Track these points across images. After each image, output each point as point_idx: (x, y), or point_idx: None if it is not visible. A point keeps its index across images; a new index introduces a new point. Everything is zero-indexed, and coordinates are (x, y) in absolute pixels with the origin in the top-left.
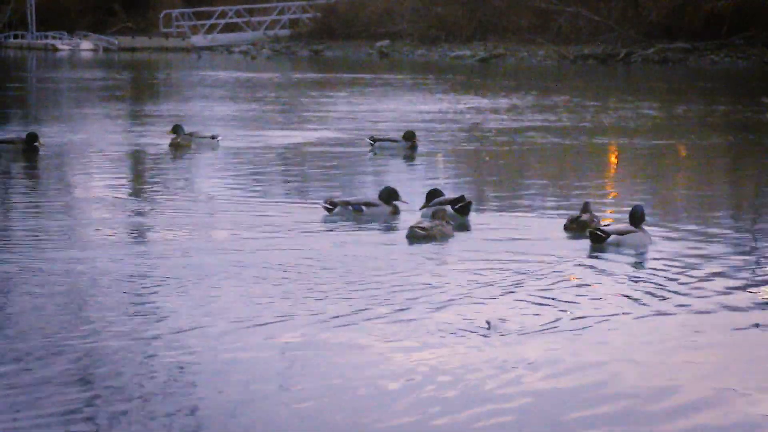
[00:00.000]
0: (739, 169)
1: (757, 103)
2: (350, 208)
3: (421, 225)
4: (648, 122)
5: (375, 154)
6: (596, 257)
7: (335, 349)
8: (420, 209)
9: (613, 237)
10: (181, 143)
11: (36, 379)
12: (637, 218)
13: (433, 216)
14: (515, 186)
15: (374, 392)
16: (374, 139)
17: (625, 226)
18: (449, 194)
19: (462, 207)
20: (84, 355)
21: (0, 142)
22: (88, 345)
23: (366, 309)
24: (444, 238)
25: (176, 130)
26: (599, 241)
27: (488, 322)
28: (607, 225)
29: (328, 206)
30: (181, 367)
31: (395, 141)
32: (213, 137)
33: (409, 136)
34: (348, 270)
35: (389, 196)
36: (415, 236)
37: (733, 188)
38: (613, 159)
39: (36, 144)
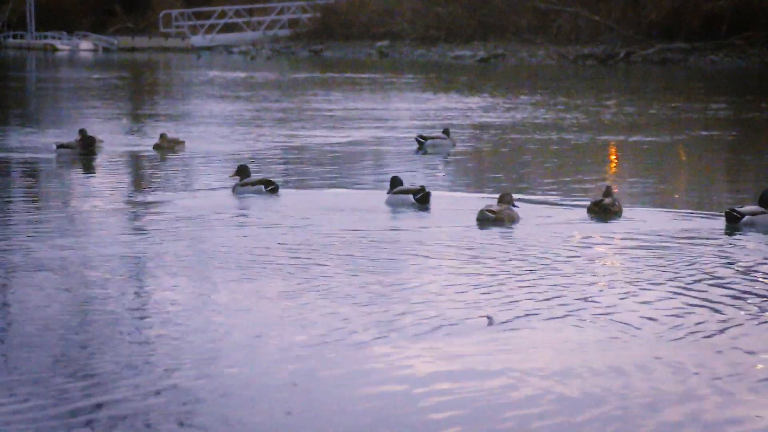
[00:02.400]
0: (745, 162)
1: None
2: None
3: (490, 208)
4: (649, 120)
5: (425, 152)
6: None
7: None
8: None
9: (747, 218)
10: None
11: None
12: (766, 200)
13: (500, 200)
14: (540, 178)
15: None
16: (424, 138)
17: (756, 207)
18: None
19: (422, 197)
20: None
21: (59, 147)
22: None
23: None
24: (512, 221)
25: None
26: (734, 221)
27: (489, 318)
28: (742, 206)
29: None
30: (214, 359)
31: (444, 138)
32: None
33: (448, 134)
34: (428, 250)
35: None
36: (485, 219)
37: (739, 179)
38: (632, 153)
39: (94, 147)
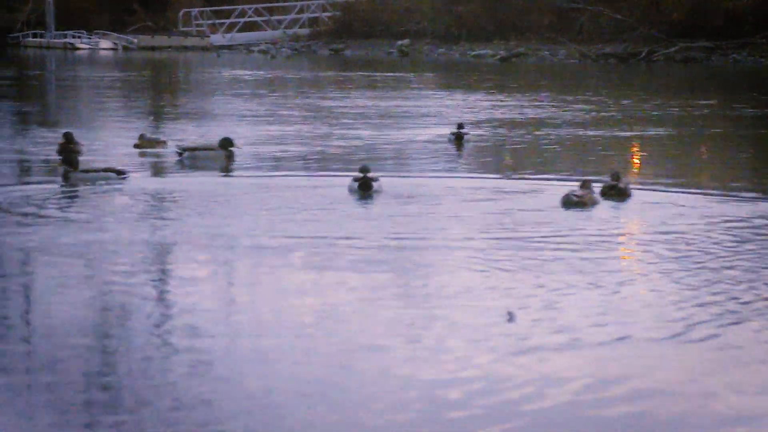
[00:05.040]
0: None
1: None
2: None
3: (575, 193)
4: (670, 116)
5: (458, 146)
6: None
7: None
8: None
9: None
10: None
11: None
12: None
13: (582, 186)
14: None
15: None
16: (461, 132)
17: None
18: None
19: (363, 183)
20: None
21: (197, 149)
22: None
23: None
24: (593, 204)
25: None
26: None
27: (510, 314)
28: None
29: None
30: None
31: (467, 133)
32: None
33: (462, 128)
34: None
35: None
36: (570, 203)
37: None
38: (657, 145)
39: (232, 149)
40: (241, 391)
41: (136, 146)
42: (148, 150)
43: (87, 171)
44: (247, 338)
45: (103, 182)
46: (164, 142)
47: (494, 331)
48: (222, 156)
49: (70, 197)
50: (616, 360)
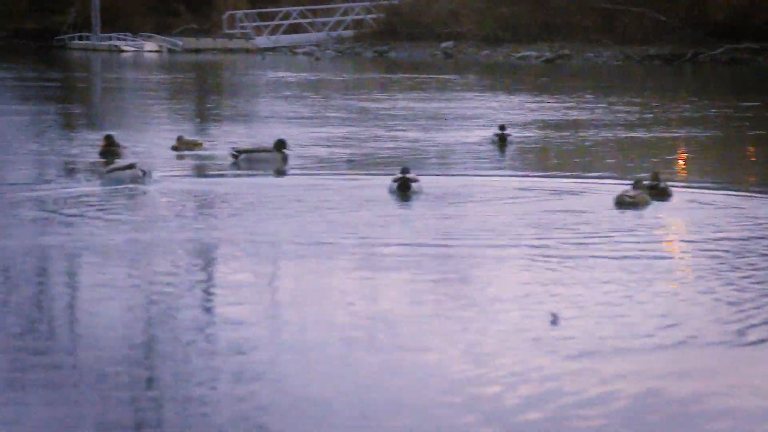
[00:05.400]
0: None
1: None
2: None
3: (628, 193)
4: (715, 117)
5: (502, 147)
6: None
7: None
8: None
9: None
10: None
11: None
12: None
13: (635, 186)
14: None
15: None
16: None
17: None
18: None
19: (403, 183)
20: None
21: (253, 151)
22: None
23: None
24: (646, 204)
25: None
26: None
27: (554, 315)
28: None
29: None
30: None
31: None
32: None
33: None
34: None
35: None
36: (623, 203)
37: None
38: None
39: (285, 151)
40: (287, 396)
41: (173, 148)
42: (187, 152)
43: (113, 170)
44: (293, 342)
45: (129, 180)
46: (201, 144)
47: (542, 335)
48: (277, 158)
49: (113, 198)
50: (673, 363)
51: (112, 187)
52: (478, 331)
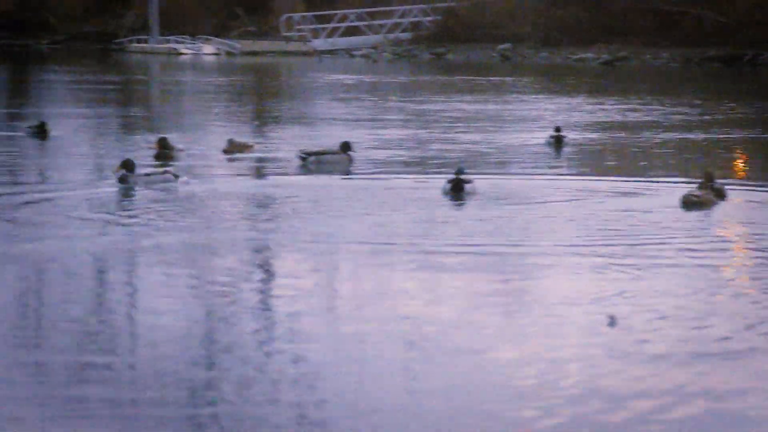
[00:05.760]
0: None
1: None
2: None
3: (694, 193)
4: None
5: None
6: None
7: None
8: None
9: None
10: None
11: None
12: None
13: (701, 186)
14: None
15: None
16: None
17: None
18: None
19: (456, 184)
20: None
21: (321, 153)
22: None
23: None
24: (712, 205)
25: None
26: None
27: (611, 318)
28: None
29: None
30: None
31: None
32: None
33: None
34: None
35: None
36: (690, 203)
37: None
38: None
39: (351, 153)
40: (345, 397)
41: (225, 151)
42: (238, 155)
43: (146, 174)
44: (351, 345)
45: (159, 185)
46: (252, 147)
47: (611, 339)
48: (345, 159)
49: (169, 201)
50: (745, 369)
51: (167, 190)
52: (544, 335)
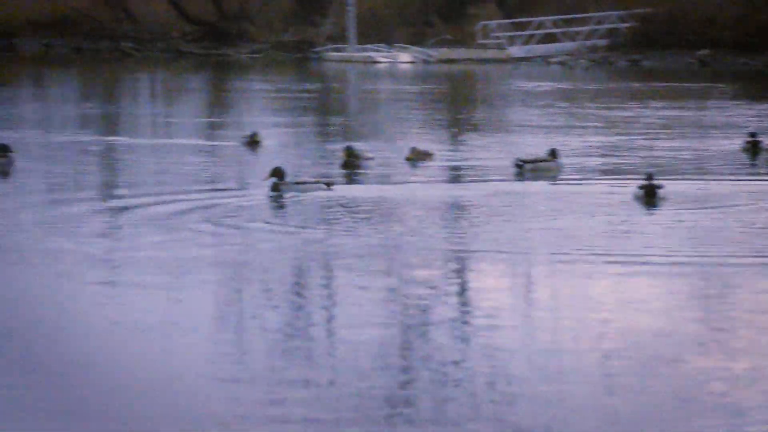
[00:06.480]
0: None
1: None
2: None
3: None
4: None
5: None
6: None
7: None
8: None
9: None
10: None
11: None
12: None
13: None
14: None
15: None
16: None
17: None
18: None
19: (649, 190)
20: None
21: (538, 161)
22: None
23: None
24: None
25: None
26: None
27: None
28: None
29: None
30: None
31: None
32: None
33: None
34: None
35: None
36: None
37: None
38: None
39: (559, 160)
40: (540, 403)
41: (407, 159)
42: (419, 162)
43: (298, 183)
44: (549, 356)
45: (311, 192)
46: (432, 155)
47: None
48: (558, 167)
49: (362, 205)
50: None
51: (358, 196)
52: (753, 349)
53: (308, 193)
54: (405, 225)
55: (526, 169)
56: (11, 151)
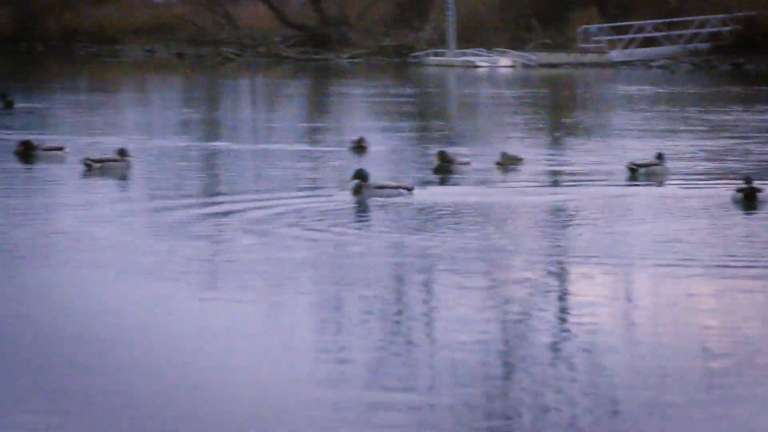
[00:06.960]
0: None
1: None
2: None
3: None
4: None
5: None
6: None
7: None
8: None
9: None
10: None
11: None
12: None
13: None
14: None
15: None
16: None
17: None
18: None
19: (748, 193)
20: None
21: (650, 165)
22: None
23: None
24: None
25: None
26: None
27: None
28: None
29: None
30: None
31: None
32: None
33: None
34: None
35: None
36: None
37: None
38: None
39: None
40: (639, 415)
41: (498, 164)
42: (510, 167)
43: (380, 187)
44: (648, 359)
45: (392, 197)
46: (521, 160)
47: None
48: (665, 170)
49: (465, 209)
50: None
51: (463, 199)
52: None
53: (389, 198)
54: (502, 229)
55: (639, 173)
56: (129, 156)
